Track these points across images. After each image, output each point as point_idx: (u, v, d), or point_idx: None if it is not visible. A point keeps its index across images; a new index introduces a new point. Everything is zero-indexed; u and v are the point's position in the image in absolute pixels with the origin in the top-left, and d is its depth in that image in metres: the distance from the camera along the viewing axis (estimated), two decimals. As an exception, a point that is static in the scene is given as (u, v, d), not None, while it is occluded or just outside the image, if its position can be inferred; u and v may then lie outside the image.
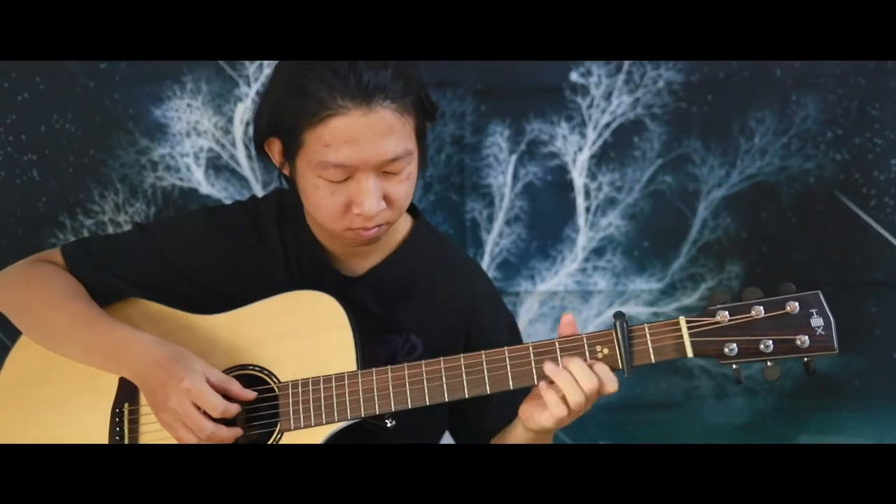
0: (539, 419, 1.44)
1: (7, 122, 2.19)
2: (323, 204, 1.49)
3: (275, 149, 1.54)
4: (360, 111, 1.43)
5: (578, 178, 2.26)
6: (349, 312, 1.52)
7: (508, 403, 1.56)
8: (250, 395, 1.50)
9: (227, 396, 1.48)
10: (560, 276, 2.29)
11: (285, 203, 1.66)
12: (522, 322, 2.29)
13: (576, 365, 1.41)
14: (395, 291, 1.63)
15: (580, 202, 2.27)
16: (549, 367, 1.42)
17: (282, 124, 1.49)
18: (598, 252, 2.28)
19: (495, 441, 1.63)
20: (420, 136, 1.53)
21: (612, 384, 1.41)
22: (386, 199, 1.49)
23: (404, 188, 1.51)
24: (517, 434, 1.54)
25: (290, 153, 1.50)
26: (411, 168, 1.52)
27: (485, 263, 2.27)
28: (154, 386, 1.48)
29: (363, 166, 1.46)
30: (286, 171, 1.56)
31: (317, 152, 1.45)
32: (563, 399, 1.41)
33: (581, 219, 2.27)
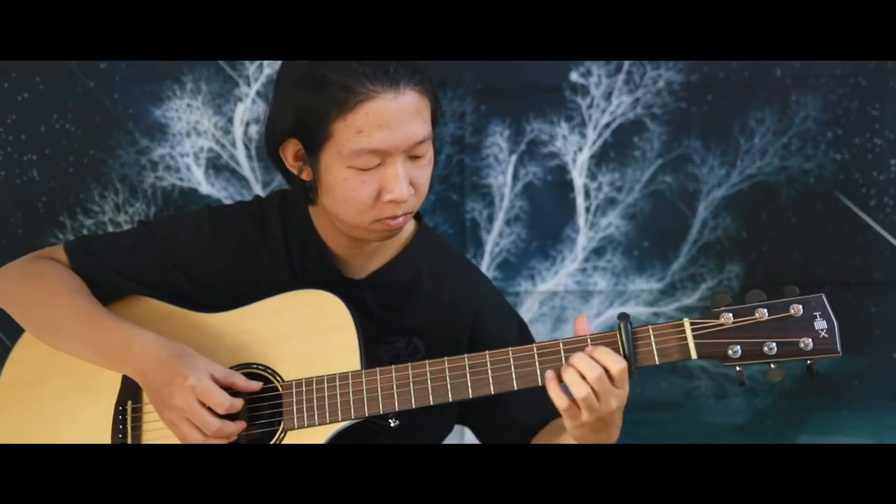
0: (563, 421, 1.43)
1: (7, 122, 2.19)
2: (353, 195, 1.48)
3: (289, 152, 1.53)
4: (390, 94, 1.44)
5: (578, 178, 2.26)
6: (353, 312, 1.52)
7: (532, 393, 1.53)
8: (255, 385, 1.50)
9: (233, 390, 1.49)
10: (560, 276, 2.29)
11: (289, 203, 1.65)
12: (522, 322, 2.29)
13: (577, 358, 1.40)
14: (398, 294, 1.63)
15: (580, 202, 2.27)
16: (551, 372, 1.41)
17: (306, 120, 1.48)
18: (598, 252, 2.28)
19: (538, 440, 1.62)
20: (434, 123, 1.53)
21: (616, 363, 1.38)
22: (412, 184, 1.50)
23: (426, 173, 1.52)
24: (564, 439, 1.51)
25: (314, 149, 1.49)
26: (430, 153, 1.53)
27: (485, 263, 2.27)
28: (158, 384, 1.48)
29: (395, 150, 1.46)
30: (305, 175, 1.54)
31: (348, 141, 1.45)
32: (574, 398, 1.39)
33: (581, 219, 2.27)
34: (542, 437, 1.62)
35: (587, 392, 1.38)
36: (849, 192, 2.23)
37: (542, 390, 1.51)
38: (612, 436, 1.47)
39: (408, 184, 1.49)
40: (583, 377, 1.39)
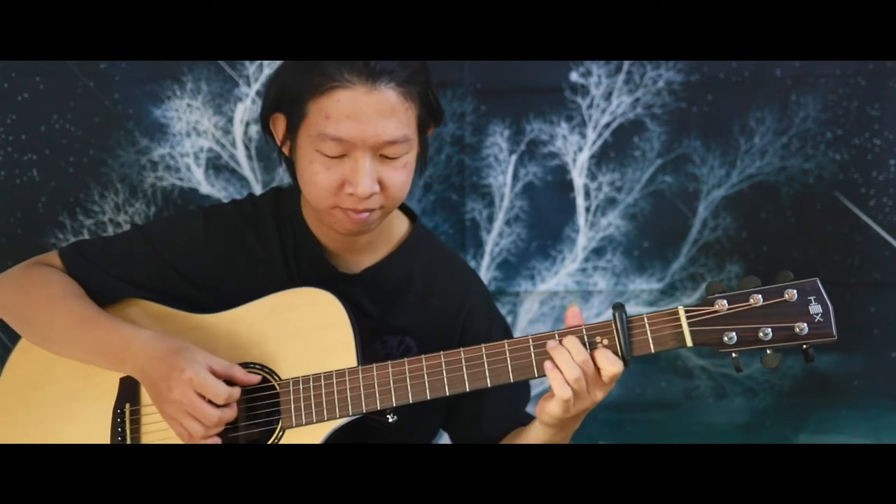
0: (546, 407, 1.44)
1: (7, 122, 2.18)
2: (316, 179, 1.50)
3: (279, 126, 1.56)
4: (364, 87, 1.45)
5: (578, 178, 2.26)
6: (349, 309, 1.53)
7: (503, 405, 1.58)
8: (254, 378, 1.51)
9: (231, 383, 1.50)
10: (560, 276, 2.29)
11: (283, 201, 1.66)
12: (522, 322, 2.29)
13: (570, 340, 1.41)
14: (389, 292, 1.63)
15: (580, 202, 2.27)
16: (549, 343, 1.43)
17: (287, 96, 1.51)
18: (598, 252, 2.28)
19: (507, 441, 1.63)
20: (422, 128, 1.53)
21: (613, 365, 1.40)
22: (380, 183, 1.50)
23: (400, 176, 1.52)
24: (533, 433, 1.53)
25: (293, 127, 1.52)
26: (409, 157, 1.52)
27: (485, 263, 2.27)
28: (156, 379, 1.49)
29: (361, 144, 1.47)
30: (287, 150, 1.57)
31: (317, 124, 1.47)
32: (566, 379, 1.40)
33: (581, 219, 2.27)
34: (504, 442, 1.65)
35: (576, 374, 1.39)
36: (848, 192, 2.23)
37: (512, 402, 1.58)
38: (570, 436, 1.50)
39: (373, 181, 1.49)
40: (573, 358, 1.40)
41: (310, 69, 1.47)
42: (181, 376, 1.46)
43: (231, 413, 1.48)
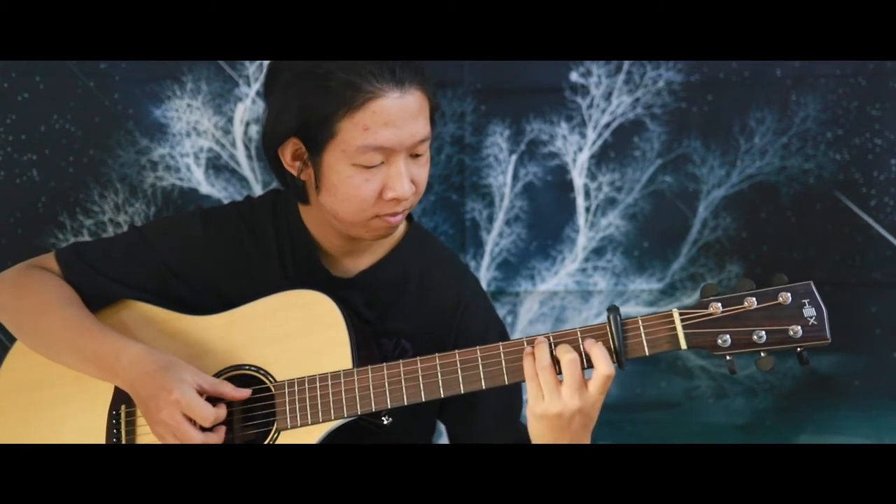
0: (528, 407, 1.43)
1: (7, 122, 2.18)
2: (355, 193, 1.49)
3: (288, 151, 1.53)
4: (395, 93, 1.46)
5: (578, 178, 2.26)
6: (344, 311, 1.53)
7: (496, 405, 1.58)
8: (244, 393, 1.51)
9: (223, 399, 1.49)
10: (560, 276, 2.29)
11: (281, 203, 1.66)
12: (522, 322, 2.29)
13: (562, 347, 1.42)
14: (385, 295, 1.63)
15: (580, 202, 2.27)
16: (539, 338, 1.43)
17: (311, 119, 1.48)
18: (598, 252, 2.28)
19: None
20: (432, 122, 1.55)
21: (606, 366, 1.40)
22: (412, 182, 1.52)
23: (425, 172, 1.55)
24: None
25: (316, 148, 1.49)
26: (428, 152, 1.55)
27: (485, 263, 2.27)
28: (145, 397, 1.48)
29: (399, 148, 1.48)
30: (304, 175, 1.54)
31: (354, 138, 1.46)
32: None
33: (581, 219, 2.27)
34: None
35: (549, 362, 1.40)
36: (849, 191, 2.23)
37: (504, 402, 1.59)
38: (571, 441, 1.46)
39: (409, 182, 1.50)
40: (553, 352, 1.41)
41: (329, 89, 1.45)
42: (169, 397, 1.45)
43: (215, 440, 1.48)
